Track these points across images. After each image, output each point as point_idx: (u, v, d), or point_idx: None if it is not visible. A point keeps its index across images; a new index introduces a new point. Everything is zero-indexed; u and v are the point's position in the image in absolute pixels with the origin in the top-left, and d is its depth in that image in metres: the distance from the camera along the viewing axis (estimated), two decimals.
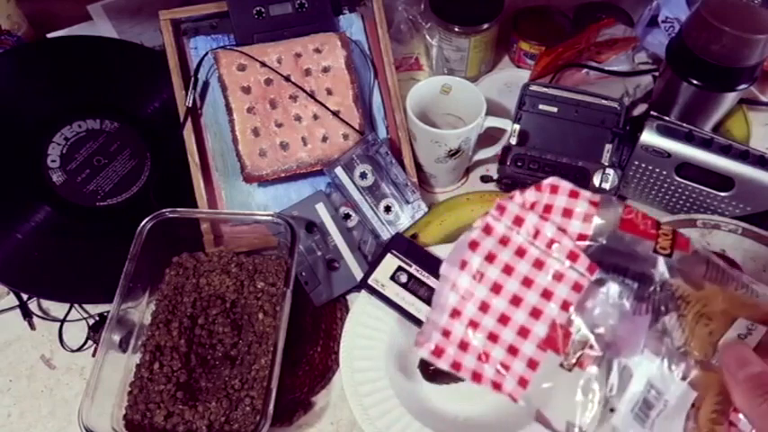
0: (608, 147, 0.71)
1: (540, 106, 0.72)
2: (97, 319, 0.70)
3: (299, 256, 0.66)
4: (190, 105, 0.69)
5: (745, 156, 0.66)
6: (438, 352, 0.44)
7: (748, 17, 0.63)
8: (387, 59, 0.73)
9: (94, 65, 0.73)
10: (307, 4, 0.71)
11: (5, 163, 0.67)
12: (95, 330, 0.68)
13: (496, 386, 0.43)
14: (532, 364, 0.42)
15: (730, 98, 0.70)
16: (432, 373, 0.63)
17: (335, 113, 0.70)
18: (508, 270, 0.44)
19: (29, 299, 0.72)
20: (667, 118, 0.69)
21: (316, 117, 0.70)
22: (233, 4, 0.69)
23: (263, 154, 0.69)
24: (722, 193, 0.68)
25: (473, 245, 0.45)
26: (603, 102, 0.71)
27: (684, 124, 0.68)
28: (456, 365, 0.44)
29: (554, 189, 0.44)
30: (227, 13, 0.70)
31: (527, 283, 0.43)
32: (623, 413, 0.41)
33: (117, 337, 0.61)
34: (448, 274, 0.45)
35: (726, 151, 0.66)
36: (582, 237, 0.42)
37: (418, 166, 0.75)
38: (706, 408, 0.39)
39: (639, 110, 0.82)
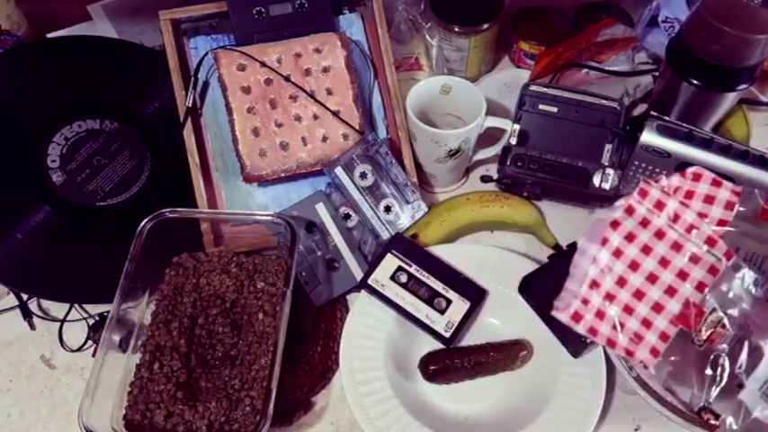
0: (608, 147, 0.71)
1: (540, 106, 0.72)
2: (97, 319, 0.70)
3: (299, 256, 0.66)
4: (190, 105, 0.69)
5: (745, 156, 0.66)
6: (577, 317, 0.47)
7: (748, 17, 0.63)
8: (387, 59, 0.73)
9: (94, 65, 0.73)
10: (307, 4, 0.71)
11: (5, 163, 0.67)
12: (95, 330, 0.68)
13: (629, 353, 0.46)
14: (664, 337, 0.45)
15: (730, 98, 0.70)
16: (432, 373, 0.63)
17: (335, 113, 0.70)
18: (647, 250, 0.47)
19: (29, 299, 0.72)
20: (667, 118, 0.69)
21: (316, 117, 0.70)
22: (233, 4, 0.69)
23: (263, 154, 0.69)
24: None
25: (615, 224, 0.48)
26: (603, 102, 0.71)
27: (684, 124, 0.68)
28: (593, 331, 0.47)
29: (697, 177, 0.48)
30: (227, 13, 0.70)
31: (664, 263, 0.46)
32: (751, 390, 0.42)
33: (117, 337, 0.61)
34: (587, 249, 0.48)
35: (726, 151, 0.66)
36: (722, 222, 0.45)
37: (418, 166, 0.75)
38: None
39: (639, 110, 0.82)
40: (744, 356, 0.44)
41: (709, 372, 0.45)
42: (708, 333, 0.44)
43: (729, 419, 0.42)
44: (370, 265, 0.67)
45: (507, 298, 0.67)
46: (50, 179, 0.68)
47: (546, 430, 0.59)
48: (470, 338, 0.67)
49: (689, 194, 0.48)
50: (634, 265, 0.47)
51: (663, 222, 0.47)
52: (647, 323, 0.46)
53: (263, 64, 0.69)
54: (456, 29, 0.80)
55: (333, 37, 0.71)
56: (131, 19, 0.81)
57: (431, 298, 0.65)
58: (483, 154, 0.76)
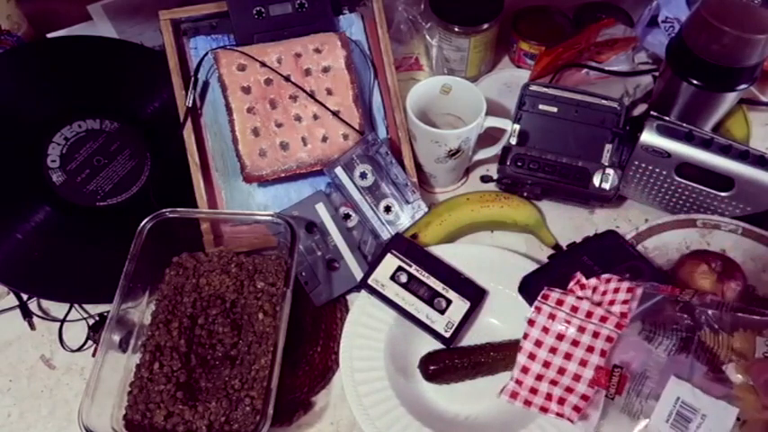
0: (608, 147, 0.71)
1: (540, 106, 0.72)
2: (97, 319, 0.70)
3: (299, 256, 0.66)
4: (190, 105, 0.69)
5: (745, 156, 0.66)
6: (513, 395, 0.60)
7: (748, 17, 0.63)
8: (387, 59, 0.73)
9: (94, 65, 0.73)
10: (307, 4, 0.71)
11: (5, 163, 0.67)
12: (95, 330, 0.68)
13: (559, 414, 0.58)
14: (585, 398, 0.58)
15: (730, 98, 0.70)
16: (432, 373, 0.63)
17: (335, 113, 0.70)
18: (560, 337, 0.61)
19: (29, 299, 0.72)
20: (667, 118, 0.69)
21: (316, 117, 0.70)
22: (233, 4, 0.69)
23: (263, 154, 0.69)
24: (722, 193, 0.68)
25: (531, 322, 0.62)
26: (603, 102, 0.71)
27: (684, 124, 0.68)
28: (527, 403, 0.59)
29: (607, 280, 0.62)
30: (227, 13, 0.70)
31: (575, 343, 0.60)
32: (658, 420, 0.54)
33: (117, 337, 0.61)
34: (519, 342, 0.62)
35: (726, 151, 0.66)
36: (624, 315, 0.59)
37: (418, 166, 0.75)
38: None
39: (639, 110, 0.82)
40: (643, 398, 0.56)
41: (624, 417, 0.56)
42: (615, 386, 0.57)
43: None
44: (370, 265, 0.67)
45: (507, 298, 0.67)
46: (50, 179, 0.68)
47: (546, 430, 0.59)
48: (470, 338, 0.67)
49: (599, 291, 0.62)
50: (553, 350, 0.60)
51: (564, 314, 0.61)
52: (569, 390, 0.58)
53: (263, 64, 0.69)
54: (456, 29, 0.80)
55: (333, 37, 0.71)
56: (131, 19, 0.81)
57: (431, 298, 0.65)
58: (483, 154, 0.76)
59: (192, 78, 0.69)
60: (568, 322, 0.61)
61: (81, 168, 0.69)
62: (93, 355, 0.68)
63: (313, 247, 0.69)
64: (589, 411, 0.58)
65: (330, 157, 0.70)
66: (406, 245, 0.68)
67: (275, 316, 0.62)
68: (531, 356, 0.61)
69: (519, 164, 0.72)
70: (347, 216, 0.71)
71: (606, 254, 0.66)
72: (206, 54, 0.70)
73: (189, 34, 0.71)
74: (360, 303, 0.66)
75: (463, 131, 0.69)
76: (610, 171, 0.70)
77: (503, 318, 0.68)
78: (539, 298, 0.62)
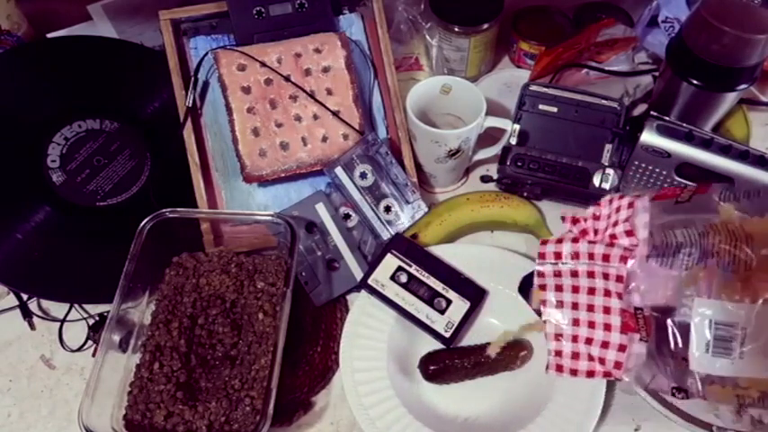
0: (608, 147, 0.71)
1: (540, 106, 0.72)
2: (97, 319, 0.70)
3: (299, 256, 0.66)
4: (190, 105, 0.69)
5: (745, 156, 0.66)
6: (559, 368, 0.57)
7: (748, 17, 0.63)
8: (387, 59, 0.73)
9: (94, 65, 0.73)
10: (307, 4, 0.71)
11: (5, 163, 0.67)
12: (95, 330, 0.68)
13: (606, 374, 0.54)
14: (622, 348, 0.53)
15: (730, 98, 0.70)
16: (432, 373, 0.63)
17: (335, 113, 0.70)
18: (575, 289, 0.57)
19: (29, 299, 0.72)
20: (667, 118, 0.69)
21: (316, 117, 0.70)
22: (233, 4, 0.69)
23: (263, 154, 0.69)
24: None
25: (543, 287, 0.58)
26: (603, 102, 0.71)
27: (684, 124, 0.68)
28: (574, 372, 0.56)
29: (596, 217, 0.58)
30: (227, 13, 0.70)
31: (591, 291, 0.56)
32: (697, 357, 0.49)
33: (117, 337, 0.61)
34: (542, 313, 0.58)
35: (726, 151, 0.66)
36: (629, 233, 0.54)
37: (418, 166, 0.75)
38: None
39: (639, 110, 0.82)
40: (673, 334, 0.51)
41: (659, 359, 0.53)
42: (644, 328, 0.52)
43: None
44: (370, 265, 0.67)
45: (507, 298, 0.67)
46: (50, 179, 0.68)
47: (546, 430, 0.59)
48: (470, 338, 0.67)
49: (602, 218, 0.58)
50: (574, 306, 0.57)
51: (568, 265, 0.57)
52: (605, 344, 0.55)
53: (263, 64, 0.69)
54: (456, 29, 0.80)
55: (333, 37, 0.71)
56: (131, 19, 0.81)
57: (431, 298, 0.65)
58: (483, 154, 0.76)
59: (192, 78, 0.69)
60: (576, 273, 0.56)
61: (81, 168, 0.69)
62: (93, 355, 0.68)
63: (313, 247, 0.69)
64: (631, 360, 0.53)
65: (330, 157, 0.70)
66: (406, 245, 0.68)
67: (275, 316, 0.62)
68: (559, 321, 0.57)
69: (519, 164, 0.72)
70: (347, 216, 0.71)
71: None
72: (206, 54, 0.70)
73: (189, 34, 0.71)
74: (360, 303, 0.66)
75: (463, 131, 0.69)
76: (610, 171, 0.70)
77: (503, 318, 0.68)
78: (537, 259, 0.59)
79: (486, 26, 0.80)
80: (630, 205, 0.55)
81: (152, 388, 0.59)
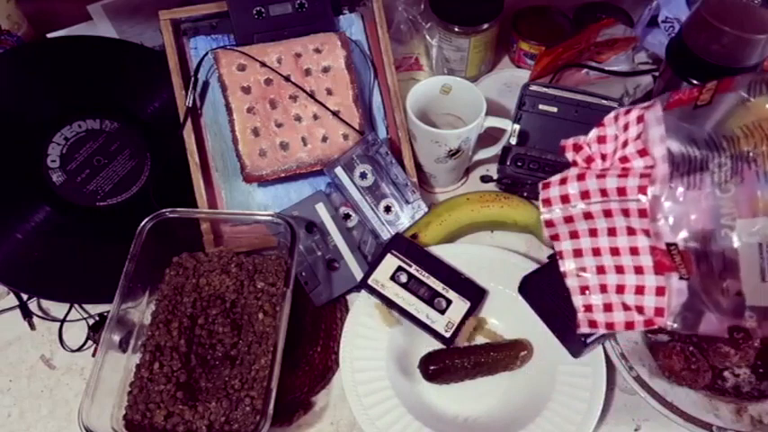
0: None
1: (540, 106, 0.72)
2: (97, 319, 0.70)
3: (299, 256, 0.66)
4: (190, 105, 0.69)
5: None
6: (593, 324, 0.50)
7: (748, 17, 0.63)
8: (387, 59, 0.73)
9: (94, 65, 0.73)
10: (307, 4, 0.71)
11: (5, 163, 0.67)
12: (95, 330, 0.68)
13: (648, 323, 0.48)
14: (660, 291, 0.47)
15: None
16: (432, 373, 0.63)
17: (335, 113, 0.70)
18: (593, 233, 0.49)
19: (29, 299, 0.72)
20: None
21: (316, 117, 0.70)
22: (233, 4, 0.69)
23: (263, 154, 0.69)
24: None
25: (555, 237, 0.52)
26: (603, 102, 0.71)
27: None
28: (610, 326, 0.49)
29: (602, 139, 0.50)
30: (227, 13, 0.70)
31: (612, 232, 0.48)
32: (751, 288, 0.44)
33: (117, 337, 0.61)
34: (559, 268, 0.52)
35: None
36: (643, 152, 0.46)
37: (418, 166, 0.75)
38: None
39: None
40: (722, 266, 0.45)
41: (705, 297, 0.47)
42: (681, 263, 0.45)
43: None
44: (370, 265, 0.67)
45: (507, 298, 0.67)
46: (50, 179, 0.68)
47: (546, 430, 0.59)
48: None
49: (608, 140, 0.50)
50: (596, 251, 0.50)
51: (580, 207, 0.49)
52: (640, 290, 0.48)
53: (263, 64, 0.69)
54: (456, 29, 0.80)
55: (333, 37, 0.71)
56: (131, 19, 0.81)
57: (431, 298, 0.65)
58: (483, 154, 0.76)
59: (192, 78, 0.69)
60: (590, 215, 0.49)
61: (81, 168, 0.69)
62: (93, 355, 0.68)
63: (313, 247, 0.69)
64: (672, 301, 0.47)
65: (330, 157, 0.70)
66: (406, 245, 0.68)
67: (275, 316, 0.62)
68: (581, 272, 0.51)
69: (519, 164, 0.72)
70: (347, 216, 0.71)
71: None
72: (206, 54, 0.70)
73: (189, 34, 0.71)
74: (360, 303, 0.66)
75: (463, 131, 0.69)
76: None
77: (503, 318, 0.68)
78: (541, 208, 0.52)
79: (486, 26, 0.80)
80: (640, 119, 0.47)
81: (152, 388, 0.59)
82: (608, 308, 0.50)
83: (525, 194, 0.75)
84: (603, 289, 0.50)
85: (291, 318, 0.61)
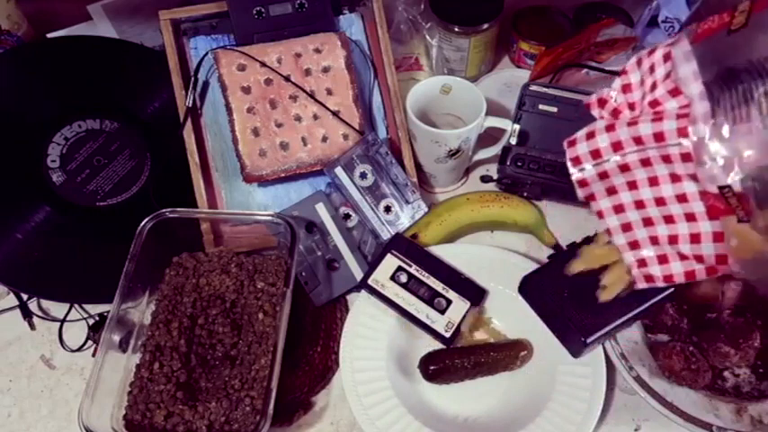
0: None
1: (540, 106, 0.72)
2: (97, 319, 0.70)
3: (299, 256, 0.66)
4: (190, 105, 0.69)
5: None
6: (650, 280, 0.48)
7: None
8: (387, 59, 0.73)
9: (94, 65, 0.73)
10: (307, 4, 0.71)
11: (5, 163, 0.67)
12: (95, 330, 0.68)
13: (710, 271, 0.45)
14: (718, 237, 0.44)
15: None
16: (432, 373, 0.63)
17: (335, 113, 0.70)
18: (632, 185, 0.46)
19: (29, 299, 0.72)
20: None
21: (316, 117, 0.70)
22: (233, 4, 0.69)
23: (263, 154, 0.69)
24: None
25: (590, 197, 0.49)
26: None
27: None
28: (668, 278, 0.47)
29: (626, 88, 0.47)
30: (227, 13, 0.70)
31: (653, 182, 0.45)
32: None
33: (117, 337, 0.61)
34: (600, 230, 0.48)
35: None
36: (675, 92, 0.43)
37: (418, 166, 0.75)
38: None
39: None
40: None
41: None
42: (738, 205, 0.42)
43: None
44: (370, 265, 0.67)
45: (507, 298, 0.67)
46: (50, 179, 0.68)
47: (546, 430, 0.59)
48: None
49: (634, 88, 0.47)
50: (639, 204, 0.47)
51: (613, 160, 0.47)
52: (696, 237, 0.45)
53: (263, 64, 0.69)
54: (456, 29, 0.80)
55: (333, 37, 0.71)
56: (131, 19, 0.81)
57: (431, 298, 0.65)
58: (483, 154, 0.76)
59: (192, 78, 0.69)
60: (626, 167, 0.46)
61: (81, 168, 0.69)
62: (93, 355, 0.68)
63: (313, 247, 0.69)
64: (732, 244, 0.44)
65: (330, 157, 0.70)
66: (406, 245, 0.68)
67: (275, 316, 0.62)
68: (626, 228, 0.48)
69: (519, 164, 0.72)
70: (347, 216, 0.71)
71: None
72: (206, 54, 0.70)
73: (189, 34, 0.71)
74: (360, 303, 0.66)
75: (463, 131, 0.69)
76: None
77: (503, 318, 0.68)
78: (570, 168, 0.49)
79: (486, 26, 0.80)
80: (667, 57, 0.43)
81: (152, 388, 0.59)
82: (663, 260, 0.47)
83: (525, 194, 0.75)
84: (655, 241, 0.47)
85: (291, 318, 0.61)
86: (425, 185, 0.78)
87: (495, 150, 0.75)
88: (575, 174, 0.49)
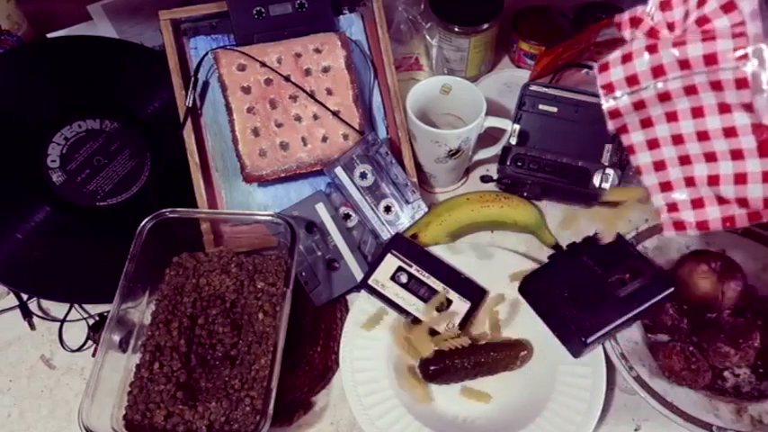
0: (608, 147, 0.71)
1: (540, 106, 0.72)
2: (97, 319, 0.70)
3: (299, 256, 0.66)
4: (190, 105, 0.69)
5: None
6: (680, 227, 0.43)
7: None
8: (387, 59, 0.73)
9: (94, 65, 0.73)
10: (307, 4, 0.71)
11: (5, 163, 0.67)
12: (95, 330, 0.68)
13: (752, 217, 0.41)
14: (766, 177, 0.40)
15: None
16: (432, 373, 0.63)
17: (335, 113, 0.70)
18: (672, 117, 0.42)
19: (29, 299, 0.72)
20: None
21: (316, 117, 0.70)
22: (233, 4, 0.69)
23: (263, 154, 0.69)
24: None
25: (622, 129, 0.44)
26: None
27: None
28: (702, 225, 0.42)
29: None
30: (227, 13, 0.70)
31: (696, 112, 0.41)
32: None
33: (117, 337, 0.61)
34: (632, 170, 0.43)
35: None
36: (728, 6, 0.38)
37: (418, 166, 0.75)
38: None
39: None
40: None
41: None
42: None
43: None
44: (371, 265, 0.67)
45: (507, 298, 0.67)
46: (50, 179, 0.68)
47: (546, 430, 0.59)
48: None
49: (653, 33, 0.42)
50: (677, 139, 0.42)
51: (653, 88, 0.41)
52: (741, 178, 0.40)
53: (263, 64, 0.69)
54: (456, 29, 0.80)
55: (333, 37, 0.71)
56: (131, 19, 0.81)
57: (431, 298, 0.65)
58: (483, 154, 0.76)
59: (192, 78, 0.69)
60: (667, 96, 0.41)
61: (81, 168, 0.69)
62: (93, 355, 0.68)
63: (313, 247, 0.69)
64: None
65: (330, 157, 0.70)
66: (407, 245, 0.68)
67: (275, 316, 0.62)
68: (659, 166, 0.43)
69: (519, 164, 0.72)
70: (347, 216, 0.71)
71: (606, 254, 0.66)
72: (206, 54, 0.70)
73: (189, 34, 0.71)
74: (360, 303, 0.66)
75: (463, 131, 0.69)
76: (610, 171, 0.70)
77: (503, 318, 0.67)
78: (602, 95, 0.44)
79: (486, 26, 0.80)
80: None
81: (152, 388, 0.59)
82: (698, 204, 0.42)
83: (525, 194, 0.75)
84: (690, 182, 0.42)
85: (291, 318, 0.61)
86: (425, 185, 0.78)
87: (495, 150, 0.75)
88: (606, 103, 0.44)
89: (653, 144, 0.43)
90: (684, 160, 0.42)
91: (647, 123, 0.43)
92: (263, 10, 0.70)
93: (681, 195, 0.43)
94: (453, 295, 0.66)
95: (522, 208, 0.74)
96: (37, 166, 0.68)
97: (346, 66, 0.71)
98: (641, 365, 0.60)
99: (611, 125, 0.45)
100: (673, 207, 0.43)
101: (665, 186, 0.43)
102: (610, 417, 0.62)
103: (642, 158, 0.44)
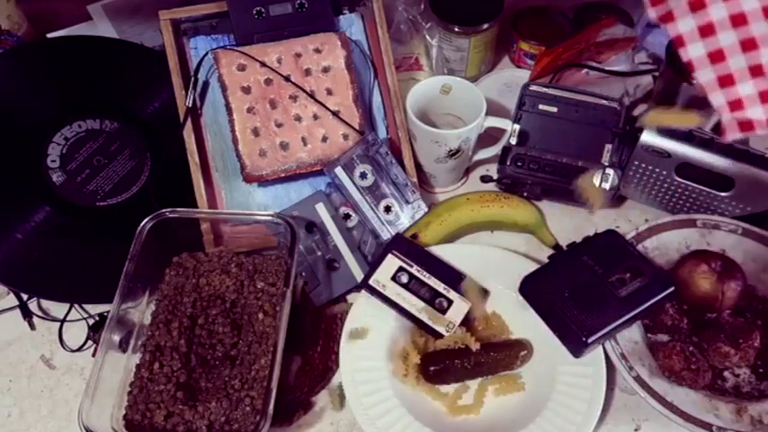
0: (608, 147, 0.71)
1: (540, 106, 0.72)
2: (97, 319, 0.70)
3: (299, 256, 0.66)
4: (190, 105, 0.69)
5: (745, 156, 0.66)
6: (746, 127, 0.38)
7: None
8: (387, 59, 0.73)
9: (94, 65, 0.73)
10: (307, 4, 0.71)
11: (5, 163, 0.67)
12: (95, 330, 0.68)
13: None
14: None
15: None
16: (432, 373, 0.63)
17: (335, 113, 0.70)
18: (707, 30, 0.36)
19: (29, 299, 0.72)
20: None
21: (316, 117, 0.70)
22: (233, 4, 0.69)
23: (263, 154, 0.69)
24: (722, 193, 0.68)
25: (666, 17, 0.38)
26: (603, 102, 0.71)
27: None
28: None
29: None
30: (227, 13, 0.70)
31: (736, 20, 0.35)
32: None
33: (117, 337, 0.61)
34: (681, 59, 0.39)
35: (726, 151, 0.66)
36: None
37: (418, 166, 0.75)
38: None
39: (639, 110, 0.82)
40: None
41: None
42: None
43: None
44: (371, 265, 0.67)
45: (507, 298, 0.67)
46: (50, 179, 0.68)
47: (546, 430, 0.59)
48: None
49: None
50: (737, 19, 0.36)
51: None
52: None
53: (263, 64, 0.69)
54: (456, 29, 0.80)
55: (333, 37, 0.71)
56: (131, 19, 0.81)
57: (432, 298, 0.65)
58: (483, 154, 0.76)
59: (192, 78, 0.69)
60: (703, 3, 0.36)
61: (81, 168, 0.69)
62: (93, 355, 0.68)
63: (313, 247, 0.69)
64: None
65: (330, 157, 0.70)
66: (407, 245, 0.68)
67: (275, 316, 0.62)
68: (716, 57, 0.37)
69: (519, 164, 0.72)
70: (347, 216, 0.71)
71: (606, 254, 0.66)
72: (206, 54, 0.70)
73: (189, 34, 0.71)
74: (360, 303, 0.66)
75: (463, 131, 0.69)
76: (610, 171, 0.70)
77: (503, 318, 0.67)
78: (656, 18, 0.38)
79: (486, 26, 0.80)
80: None
81: (152, 388, 0.59)
82: (767, 97, 0.36)
83: (525, 194, 0.75)
84: (757, 72, 0.36)
85: (291, 318, 0.61)
86: (425, 185, 0.78)
87: (495, 150, 0.75)
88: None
89: (706, 31, 0.37)
90: (748, 45, 0.36)
91: (696, 5, 0.37)
92: (263, 10, 0.70)
93: (745, 89, 0.38)
94: (454, 295, 0.66)
95: (522, 208, 0.74)
96: (37, 166, 0.68)
97: (346, 66, 0.71)
98: (641, 365, 0.60)
99: (652, 13, 0.39)
100: (736, 104, 0.38)
101: (725, 80, 0.38)
102: (610, 417, 0.62)
103: (693, 51, 0.38)
